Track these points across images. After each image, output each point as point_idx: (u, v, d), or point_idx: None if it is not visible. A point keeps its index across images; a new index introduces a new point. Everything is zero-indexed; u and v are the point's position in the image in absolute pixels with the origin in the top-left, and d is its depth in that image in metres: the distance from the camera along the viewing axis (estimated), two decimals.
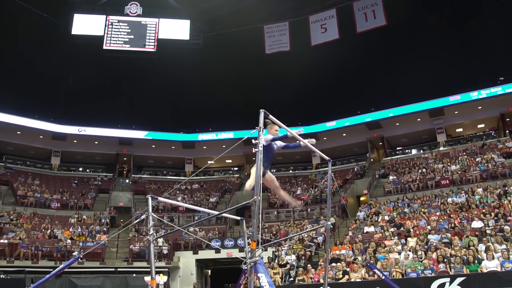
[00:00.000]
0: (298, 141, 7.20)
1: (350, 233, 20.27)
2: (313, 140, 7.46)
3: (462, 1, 31.60)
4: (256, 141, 5.70)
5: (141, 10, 34.37)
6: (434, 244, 15.63)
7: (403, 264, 14.89)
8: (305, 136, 7.41)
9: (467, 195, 20.21)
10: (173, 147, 35.64)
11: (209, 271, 26.83)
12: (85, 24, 33.53)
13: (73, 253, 19.86)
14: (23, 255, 20.16)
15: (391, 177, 26.49)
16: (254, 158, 5.76)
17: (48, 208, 26.49)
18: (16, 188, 27.15)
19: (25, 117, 30.29)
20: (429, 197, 21.75)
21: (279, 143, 7.08)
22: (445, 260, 14.19)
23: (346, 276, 15.09)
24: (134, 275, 20.09)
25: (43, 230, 22.59)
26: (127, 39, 34.11)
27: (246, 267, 5.52)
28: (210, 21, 35.34)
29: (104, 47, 33.60)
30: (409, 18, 31.29)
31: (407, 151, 32.48)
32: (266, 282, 4.93)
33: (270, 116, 6.01)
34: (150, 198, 7.33)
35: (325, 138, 33.55)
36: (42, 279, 8.44)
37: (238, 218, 9.89)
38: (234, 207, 7.96)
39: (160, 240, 22.35)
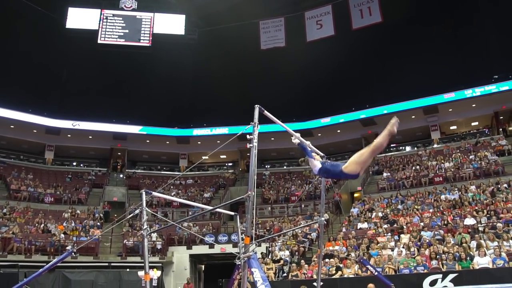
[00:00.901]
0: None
1: (344, 229, 20.34)
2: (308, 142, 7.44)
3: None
4: (251, 137, 5.69)
5: (136, 4, 34.19)
6: (427, 240, 15.72)
7: (396, 261, 14.98)
8: (299, 132, 7.39)
9: (460, 193, 20.31)
10: (168, 142, 35.57)
11: (203, 266, 26.86)
12: (79, 18, 33.31)
13: (67, 248, 19.82)
14: (16, 249, 20.11)
15: (385, 174, 26.59)
16: (248, 154, 5.77)
17: (42, 203, 26.38)
18: (9, 182, 27.04)
19: (19, 111, 30.10)
20: (423, 194, 21.85)
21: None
22: (437, 256, 14.30)
23: (339, 272, 15.17)
24: (128, 270, 20.11)
25: (36, 225, 22.51)
26: (122, 34, 33.94)
27: (239, 262, 5.54)
28: (206, 16, 35.22)
29: (99, 41, 33.39)
30: (405, 15, 31.28)
31: (401, 148, 32.56)
32: (259, 277, 4.95)
33: (265, 111, 6.01)
34: (144, 193, 7.33)
35: (319, 135, 33.58)
36: (35, 273, 8.41)
37: (232, 213, 9.90)
38: (228, 202, 7.98)
39: (154, 235, 22.34)
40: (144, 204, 7.19)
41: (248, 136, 5.69)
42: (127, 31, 34.01)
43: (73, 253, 10.23)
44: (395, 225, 18.75)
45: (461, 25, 31.65)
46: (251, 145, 5.60)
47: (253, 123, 5.69)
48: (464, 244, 14.50)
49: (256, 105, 5.86)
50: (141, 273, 15.45)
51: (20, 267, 18.20)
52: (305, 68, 32.95)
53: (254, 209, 5.62)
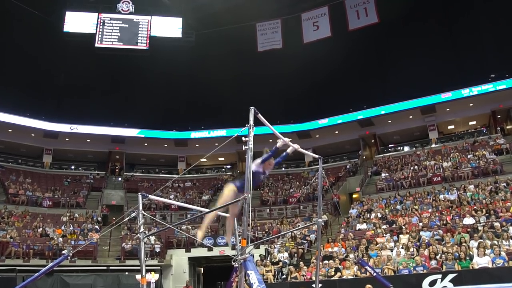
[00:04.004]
0: (285, 148, 7.17)
1: (343, 230, 20.31)
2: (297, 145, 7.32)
3: None
4: (247, 139, 5.67)
5: (133, 7, 34.14)
6: (426, 241, 15.69)
7: (395, 261, 14.95)
8: (297, 134, 7.43)
9: (458, 192, 20.30)
10: (166, 145, 35.52)
11: (202, 269, 26.79)
12: (77, 22, 33.25)
13: (63, 252, 19.76)
14: (14, 253, 20.01)
15: (383, 174, 26.56)
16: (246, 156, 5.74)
17: (40, 207, 26.30)
18: (7, 187, 26.95)
19: (17, 115, 30.01)
20: (421, 194, 21.82)
21: (268, 171, 6.97)
22: (437, 256, 14.27)
23: (338, 273, 15.14)
24: (127, 273, 20.01)
25: (34, 229, 22.45)
26: (119, 37, 33.88)
27: (237, 265, 5.52)
28: (202, 19, 35.19)
29: (96, 45, 33.33)
30: (401, 15, 31.32)
31: (399, 148, 32.59)
32: (255, 279, 4.92)
33: (259, 115, 5.98)
34: (140, 196, 7.30)
35: (317, 136, 33.60)
36: (31, 277, 8.37)
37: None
38: (225, 205, 7.91)
39: (152, 238, 22.28)
40: (141, 207, 7.15)
41: (243, 138, 5.67)
42: (124, 34, 33.94)
43: (69, 257, 10.18)
44: (394, 226, 18.74)
45: (457, 25, 31.68)
46: (247, 147, 5.58)
47: (249, 125, 5.67)
48: (463, 244, 14.47)
49: (251, 107, 5.84)
50: (138, 276, 15.40)
51: (18, 271, 18.13)
52: (302, 69, 33.01)
53: (253, 211, 5.61)
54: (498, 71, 28.24)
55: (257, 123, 5.95)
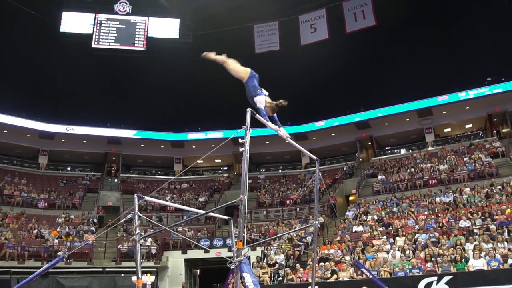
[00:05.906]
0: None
1: (339, 233, 20.30)
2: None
3: (451, 2, 31.82)
4: (243, 140, 5.66)
5: (130, 8, 34.10)
6: (422, 243, 15.71)
7: (391, 263, 14.95)
8: (294, 136, 7.46)
9: (454, 195, 20.34)
10: (162, 147, 35.47)
11: (198, 270, 26.72)
12: (73, 22, 33.19)
13: (58, 253, 19.66)
14: (9, 255, 19.88)
15: (379, 177, 26.57)
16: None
17: (35, 208, 26.18)
18: (2, 188, 26.82)
19: (12, 116, 29.88)
20: (418, 197, 21.84)
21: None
22: (432, 259, 14.28)
23: (335, 276, 15.13)
24: (122, 275, 19.95)
25: (29, 230, 22.34)
26: (116, 38, 33.82)
27: (232, 267, 5.51)
28: (200, 20, 35.16)
29: (93, 46, 33.28)
30: (398, 18, 31.36)
31: (395, 151, 32.60)
32: (250, 281, 4.91)
33: (257, 115, 5.98)
34: (136, 197, 7.27)
35: (314, 138, 33.59)
36: (25, 279, 8.32)
37: (225, 217, 9.84)
38: (221, 206, 7.93)
39: (149, 240, 22.22)
40: (137, 209, 7.12)
41: (240, 140, 5.66)
42: (121, 35, 33.88)
43: (64, 259, 10.15)
44: (390, 228, 18.74)
45: (455, 28, 31.79)
46: (243, 148, 5.57)
47: (245, 126, 5.66)
48: (459, 246, 14.49)
49: (248, 109, 5.84)
50: (134, 278, 15.35)
51: (13, 273, 18.03)
52: (299, 71, 32.99)
53: (249, 213, 5.60)
54: (495, 74, 28.33)
55: (254, 125, 5.94)
